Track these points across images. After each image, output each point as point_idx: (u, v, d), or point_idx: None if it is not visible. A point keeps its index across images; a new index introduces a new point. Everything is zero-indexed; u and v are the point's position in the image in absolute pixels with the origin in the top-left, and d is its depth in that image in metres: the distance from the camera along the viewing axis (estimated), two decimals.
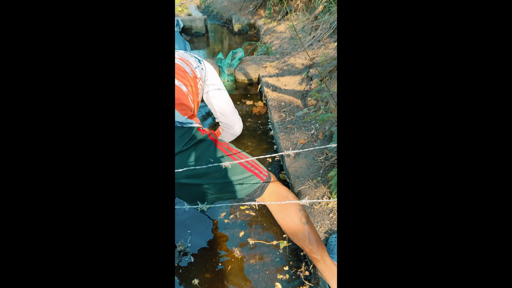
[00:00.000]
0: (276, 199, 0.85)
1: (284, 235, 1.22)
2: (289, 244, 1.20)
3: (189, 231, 1.28)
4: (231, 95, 2.42)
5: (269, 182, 0.86)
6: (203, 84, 1.13)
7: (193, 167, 0.73)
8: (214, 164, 0.70)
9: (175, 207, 0.56)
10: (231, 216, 1.34)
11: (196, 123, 0.83)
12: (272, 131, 1.91)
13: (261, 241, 1.23)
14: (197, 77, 1.07)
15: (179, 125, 0.78)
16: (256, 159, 0.77)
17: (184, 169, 0.70)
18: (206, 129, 0.85)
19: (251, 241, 1.22)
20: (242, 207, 1.37)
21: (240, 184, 0.82)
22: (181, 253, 1.18)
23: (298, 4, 3.46)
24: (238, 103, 2.30)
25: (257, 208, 1.36)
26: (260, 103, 2.25)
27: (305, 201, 0.63)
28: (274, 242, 1.22)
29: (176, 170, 0.69)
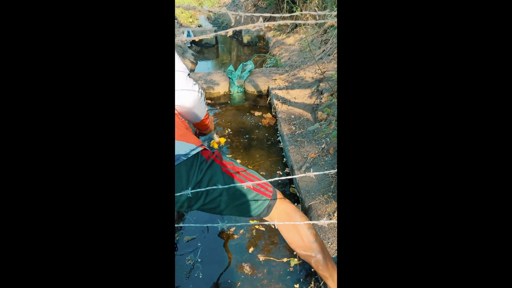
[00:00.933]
0: (284, 218, 0.85)
1: (295, 252, 1.21)
2: (299, 262, 1.18)
3: (199, 244, 1.27)
4: (241, 107, 2.44)
5: (275, 200, 0.86)
6: None
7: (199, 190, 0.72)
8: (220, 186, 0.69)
9: (195, 225, 0.56)
10: (241, 231, 1.33)
11: (196, 146, 0.79)
12: (282, 143, 1.91)
13: (271, 258, 1.21)
14: None
15: (184, 158, 0.75)
16: (271, 181, 0.76)
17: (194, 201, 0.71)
18: (207, 149, 0.83)
19: (261, 257, 1.21)
20: (251, 221, 1.36)
21: (248, 204, 0.82)
22: (191, 268, 1.17)
23: (307, 18, 3.50)
24: (248, 114, 2.31)
25: (268, 227, 1.35)
26: (268, 115, 2.26)
27: (323, 222, 0.62)
28: (284, 259, 1.20)
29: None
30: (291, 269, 1.16)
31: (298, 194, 1.50)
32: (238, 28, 0.38)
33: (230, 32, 0.38)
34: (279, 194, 0.88)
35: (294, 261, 1.18)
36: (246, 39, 4.39)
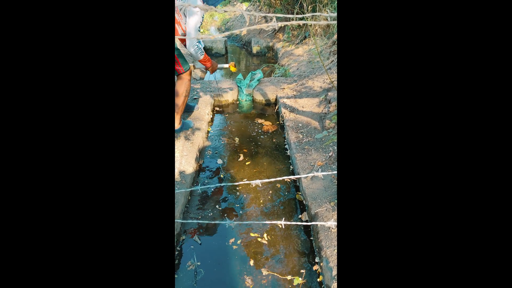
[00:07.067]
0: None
1: (302, 271, 1.19)
2: (304, 281, 1.16)
3: (193, 249, 1.27)
4: (249, 114, 2.46)
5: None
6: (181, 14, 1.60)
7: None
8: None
9: (198, 221, 0.56)
10: (239, 241, 1.32)
11: None
12: (289, 151, 1.92)
13: (275, 273, 1.18)
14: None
15: None
16: (277, 180, 0.76)
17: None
18: None
19: (264, 271, 1.19)
20: (252, 234, 1.35)
21: None
22: (195, 276, 1.17)
23: (316, 30, 3.55)
24: (255, 121, 2.34)
25: (270, 238, 1.34)
26: (268, 122, 2.29)
27: (331, 223, 0.63)
28: (288, 277, 1.17)
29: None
30: None
31: (304, 202, 1.50)
32: (252, 28, 0.40)
33: (244, 31, 0.39)
34: None
35: (297, 280, 1.15)
36: (255, 49, 4.46)
